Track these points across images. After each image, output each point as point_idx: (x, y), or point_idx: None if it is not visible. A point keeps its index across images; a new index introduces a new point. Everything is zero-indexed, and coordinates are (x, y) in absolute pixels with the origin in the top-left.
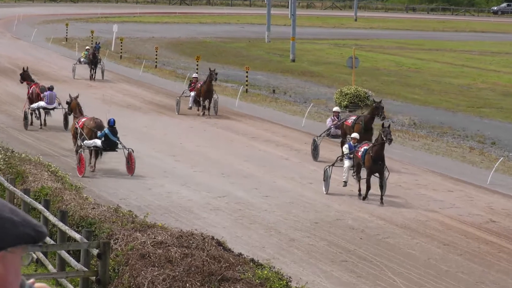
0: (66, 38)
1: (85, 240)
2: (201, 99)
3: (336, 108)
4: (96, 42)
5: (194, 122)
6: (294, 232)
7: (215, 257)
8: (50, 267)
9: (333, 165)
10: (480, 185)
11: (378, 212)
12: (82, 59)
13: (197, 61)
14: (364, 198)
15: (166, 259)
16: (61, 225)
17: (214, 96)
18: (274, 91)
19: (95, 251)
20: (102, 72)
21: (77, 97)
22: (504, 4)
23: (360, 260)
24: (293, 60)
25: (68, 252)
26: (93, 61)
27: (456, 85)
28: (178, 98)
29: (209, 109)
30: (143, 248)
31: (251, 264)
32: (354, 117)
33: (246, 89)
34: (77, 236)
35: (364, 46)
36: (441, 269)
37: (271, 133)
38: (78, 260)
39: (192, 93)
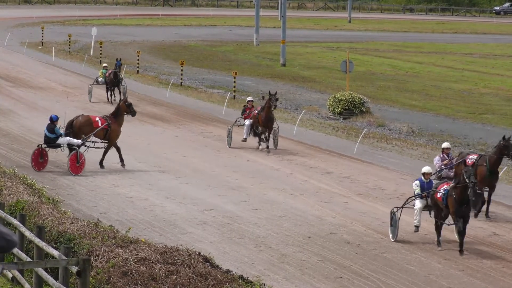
0: (42, 42)
1: (64, 257)
2: (259, 129)
3: (446, 144)
4: (116, 59)
5: (179, 131)
6: (286, 247)
7: (202, 274)
8: (26, 285)
9: (402, 207)
10: None
11: (374, 226)
12: (99, 79)
13: (182, 66)
14: (461, 251)
15: (150, 276)
16: (38, 241)
17: (274, 125)
18: (263, 97)
19: (74, 269)
20: (124, 94)
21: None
22: (507, 4)
23: (356, 276)
24: (284, 65)
25: (45, 269)
26: (114, 82)
27: (456, 90)
28: (229, 127)
29: (267, 140)
30: (125, 265)
31: (240, 281)
32: (474, 156)
33: (234, 96)
34: (55, 252)
35: (359, 49)
36: (442, 286)
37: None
38: (56, 278)
39: (247, 122)
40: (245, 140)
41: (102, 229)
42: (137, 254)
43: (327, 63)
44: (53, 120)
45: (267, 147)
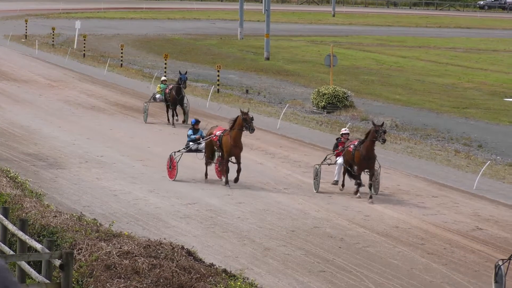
0: (26, 35)
1: (47, 250)
2: (354, 169)
3: None
4: (180, 72)
5: (163, 125)
6: (269, 241)
7: (185, 268)
8: None
9: (510, 259)
10: (466, 191)
11: (357, 220)
12: (157, 96)
13: (165, 60)
14: None
15: (133, 270)
16: (21, 234)
17: (376, 164)
18: (247, 91)
19: (57, 262)
20: (186, 114)
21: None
22: None
23: (339, 270)
24: (268, 58)
25: (28, 263)
26: (177, 100)
27: (440, 85)
28: (317, 166)
29: (371, 187)
30: (109, 259)
31: (224, 275)
32: None
33: (218, 89)
34: (38, 246)
35: (343, 43)
36: (424, 280)
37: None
38: (39, 272)
39: (340, 160)
40: (336, 183)
41: (85, 222)
42: (120, 248)
43: (311, 57)
44: (192, 124)
45: (370, 196)
